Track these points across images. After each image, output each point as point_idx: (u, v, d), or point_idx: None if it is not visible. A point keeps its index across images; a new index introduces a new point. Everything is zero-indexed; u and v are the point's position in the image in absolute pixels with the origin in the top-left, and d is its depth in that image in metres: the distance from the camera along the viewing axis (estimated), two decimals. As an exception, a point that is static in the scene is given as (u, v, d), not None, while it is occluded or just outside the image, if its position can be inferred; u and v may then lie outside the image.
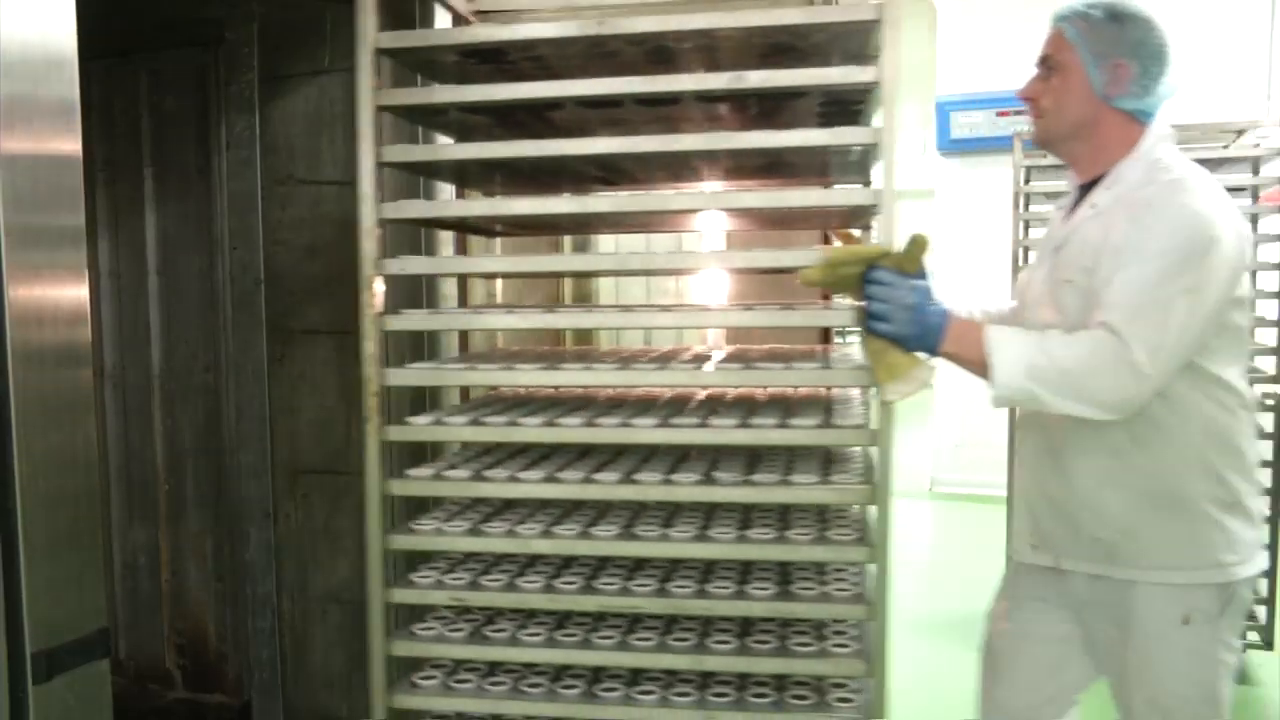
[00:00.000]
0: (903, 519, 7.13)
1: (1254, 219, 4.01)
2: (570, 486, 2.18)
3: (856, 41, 2.03)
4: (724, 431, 2.14)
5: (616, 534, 2.19)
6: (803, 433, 2.12)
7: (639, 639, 2.22)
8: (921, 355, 1.90)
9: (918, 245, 1.89)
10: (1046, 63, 1.97)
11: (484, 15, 2.62)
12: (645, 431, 2.14)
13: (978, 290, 6.83)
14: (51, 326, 1.48)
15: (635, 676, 2.28)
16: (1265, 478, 3.55)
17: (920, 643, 4.59)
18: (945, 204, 7.46)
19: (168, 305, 3.05)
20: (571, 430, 2.18)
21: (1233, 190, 4.00)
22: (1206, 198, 1.81)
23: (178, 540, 3.20)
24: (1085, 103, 1.91)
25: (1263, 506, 1.96)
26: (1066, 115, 1.95)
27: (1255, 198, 4.00)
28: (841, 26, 1.99)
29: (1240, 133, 4.05)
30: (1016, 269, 4.30)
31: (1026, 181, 4.32)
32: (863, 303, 1.90)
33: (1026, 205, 4.40)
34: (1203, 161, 4.02)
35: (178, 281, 2.96)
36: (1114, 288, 1.79)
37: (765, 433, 2.13)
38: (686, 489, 2.16)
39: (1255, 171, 4.02)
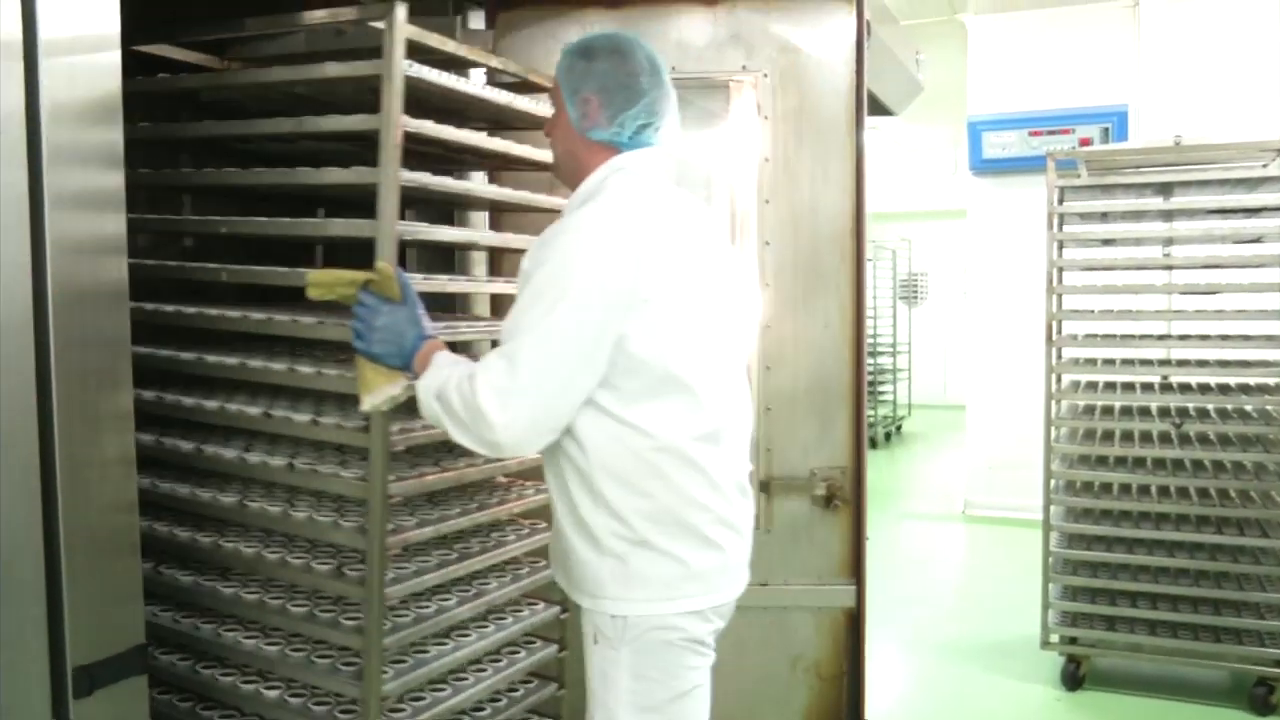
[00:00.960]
0: (935, 542, 7.10)
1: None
2: None
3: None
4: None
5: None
6: (308, 427, 2.13)
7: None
8: (398, 372, 1.95)
9: (383, 273, 1.94)
10: (552, 99, 2.06)
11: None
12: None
13: (1011, 311, 6.84)
14: (95, 349, 1.51)
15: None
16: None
17: (950, 669, 4.55)
18: (977, 224, 7.43)
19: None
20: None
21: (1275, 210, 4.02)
22: (591, 236, 1.82)
23: None
24: (568, 137, 1.98)
25: (692, 546, 1.87)
26: (557, 148, 2.03)
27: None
28: (350, 81, 2.06)
29: None
30: (1051, 289, 4.28)
31: (1061, 201, 4.30)
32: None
33: (1060, 225, 4.37)
34: (1240, 181, 4.08)
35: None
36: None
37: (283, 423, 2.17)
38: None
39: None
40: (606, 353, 1.80)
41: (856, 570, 2.96)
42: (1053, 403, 4.31)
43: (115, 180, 1.53)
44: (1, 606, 1.39)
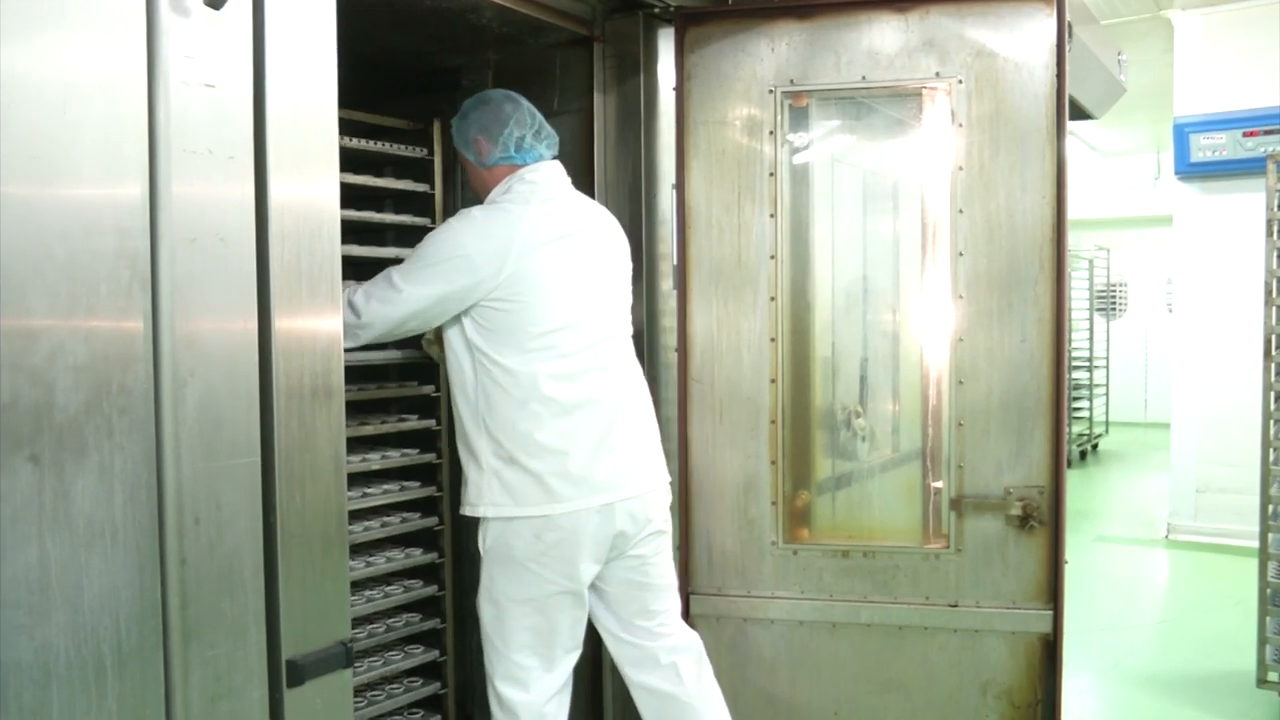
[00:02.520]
0: (1135, 567, 6.71)
1: None
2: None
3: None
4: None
5: None
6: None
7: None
8: None
9: None
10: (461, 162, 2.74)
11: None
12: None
13: (1222, 324, 6.42)
14: (310, 355, 1.60)
15: None
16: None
17: (1153, 703, 4.28)
18: (1184, 231, 7.00)
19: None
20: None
21: None
22: (476, 221, 2.42)
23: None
24: (479, 175, 2.61)
25: (554, 465, 2.39)
26: (479, 188, 2.63)
27: None
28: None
29: None
30: (1270, 301, 3.99)
31: (1280, 206, 4.00)
32: None
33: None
34: None
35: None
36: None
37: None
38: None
39: None
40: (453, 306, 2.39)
41: (1054, 595, 2.82)
42: (1271, 423, 4.01)
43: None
44: (227, 600, 1.49)
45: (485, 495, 2.42)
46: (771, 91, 2.81)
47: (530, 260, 2.38)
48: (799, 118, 2.94)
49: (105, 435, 1.32)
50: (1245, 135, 6.55)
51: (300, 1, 1.56)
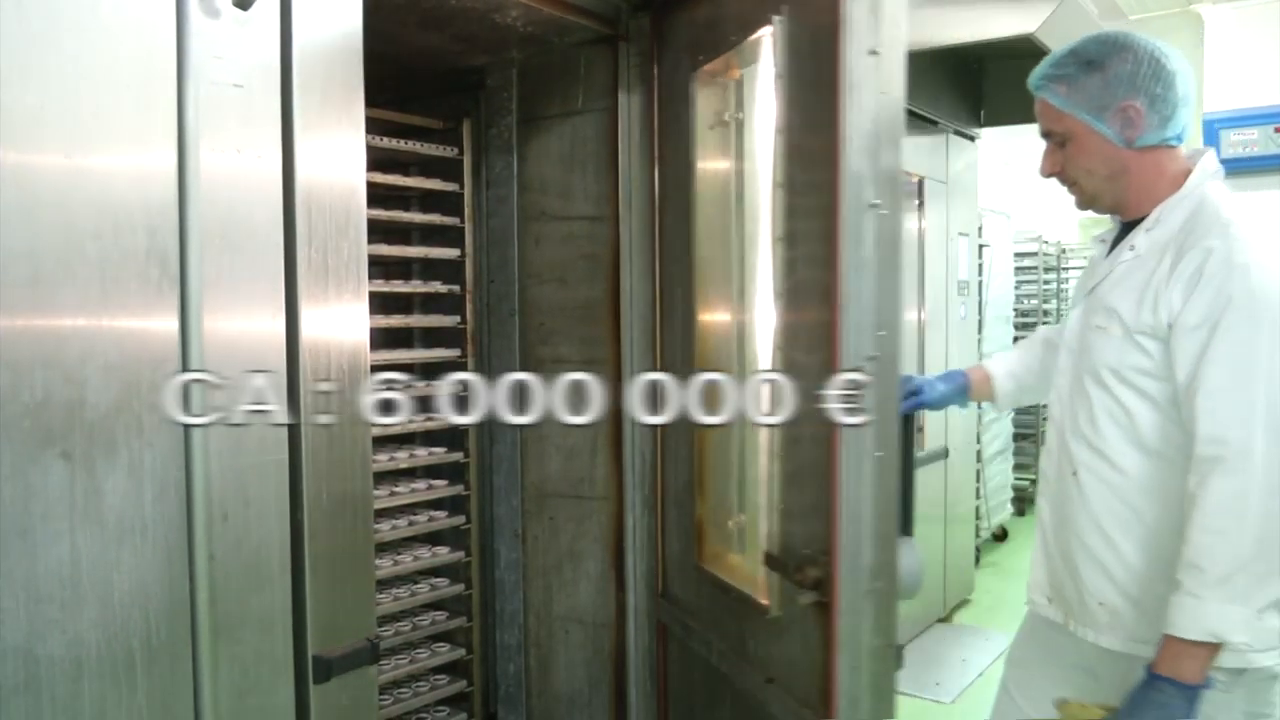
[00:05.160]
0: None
1: None
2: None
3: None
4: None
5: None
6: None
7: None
8: None
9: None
10: (1051, 136, 1.85)
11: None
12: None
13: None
14: (337, 353, 1.61)
15: None
16: None
17: None
18: (1214, 229, 6.91)
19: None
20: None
21: None
22: (1265, 249, 1.67)
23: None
24: (1110, 157, 1.81)
25: None
26: (1098, 175, 1.83)
27: None
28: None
29: None
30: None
31: (1314, 203, 3.94)
32: None
33: (1314, 229, 4.01)
34: None
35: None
36: (1199, 400, 1.64)
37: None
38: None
39: None
40: None
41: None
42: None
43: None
44: (255, 596, 1.50)
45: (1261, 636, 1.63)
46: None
47: None
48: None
49: (135, 432, 1.33)
50: (1277, 131, 6.46)
51: (328, 3, 1.57)
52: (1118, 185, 1.83)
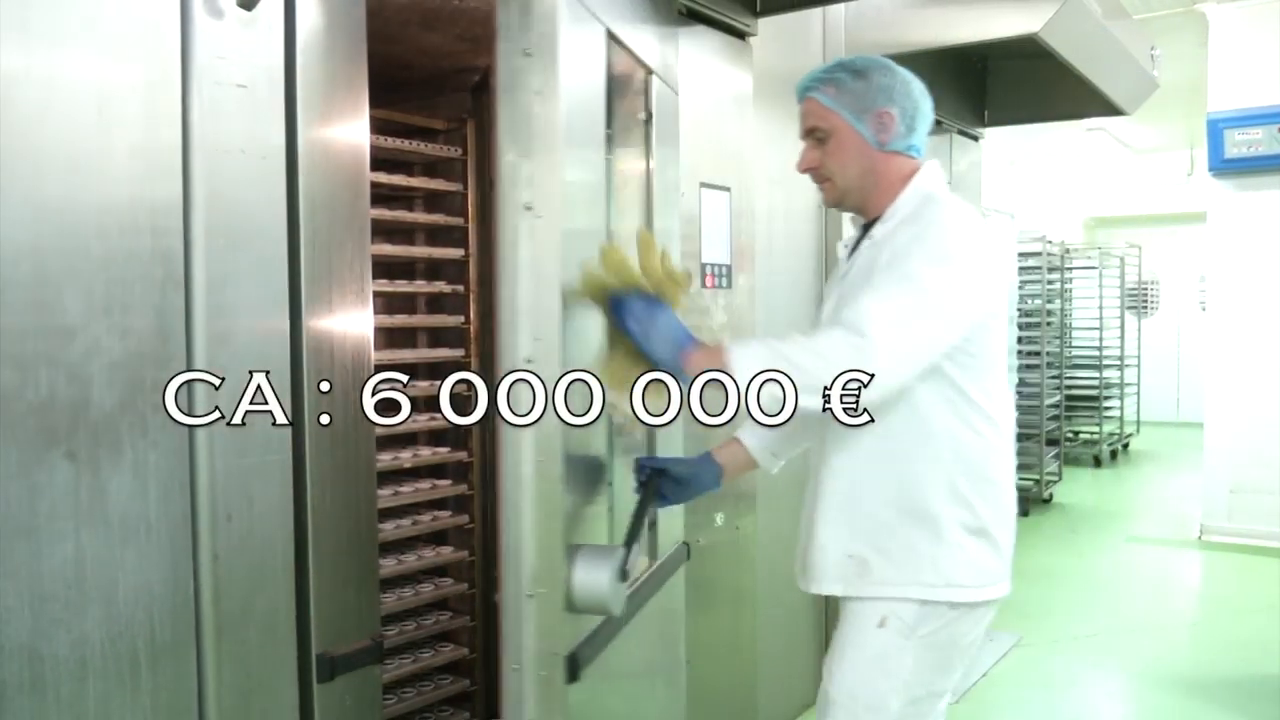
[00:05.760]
0: (1167, 568, 6.64)
1: None
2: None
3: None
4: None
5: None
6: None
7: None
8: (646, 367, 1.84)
9: (681, 279, 1.91)
10: (814, 134, 2.04)
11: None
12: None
13: (1258, 323, 6.33)
14: (340, 353, 1.61)
15: None
16: None
17: (1185, 705, 4.24)
18: (1218, 229, 6.91)
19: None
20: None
21: None
22: (961, 219, 1.93)
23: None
24: (863, 156, 2.02)
25: (1008, 537, 1.96)
26: (851, 172, 2.03)
27: None
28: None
29: None
30: (1306, 299, 3.92)
31: (1318, 203, 3.94)
32: None
33: (1317, 229, 4.01)
34: None
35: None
36: (862, 292, 1.84)
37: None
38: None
39: None
40: (966, 325, 1.87)
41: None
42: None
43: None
44: (259, 595, 1.50)
45: (944, 573, 1.90)
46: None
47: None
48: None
49: (140, 432, 1.34)
50: (1281, 130, 6.45)
51: (331, 3, 1.58)
52: (866, 183, 2.03)
